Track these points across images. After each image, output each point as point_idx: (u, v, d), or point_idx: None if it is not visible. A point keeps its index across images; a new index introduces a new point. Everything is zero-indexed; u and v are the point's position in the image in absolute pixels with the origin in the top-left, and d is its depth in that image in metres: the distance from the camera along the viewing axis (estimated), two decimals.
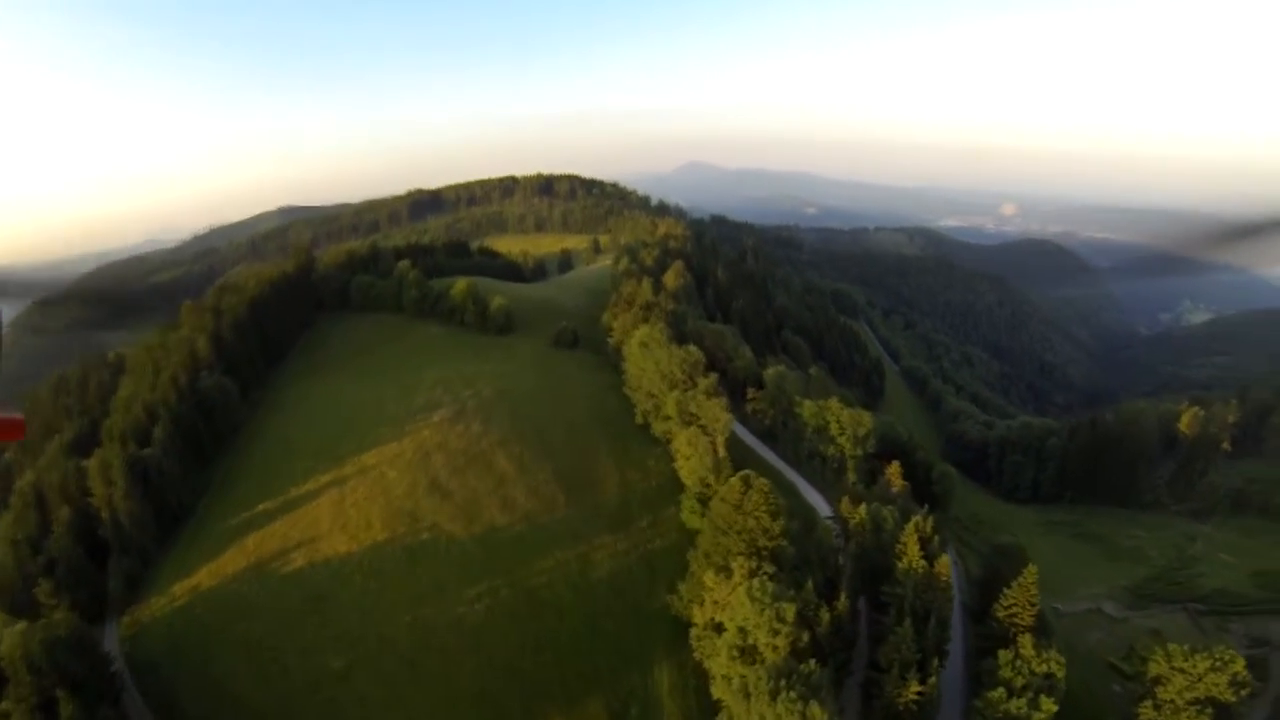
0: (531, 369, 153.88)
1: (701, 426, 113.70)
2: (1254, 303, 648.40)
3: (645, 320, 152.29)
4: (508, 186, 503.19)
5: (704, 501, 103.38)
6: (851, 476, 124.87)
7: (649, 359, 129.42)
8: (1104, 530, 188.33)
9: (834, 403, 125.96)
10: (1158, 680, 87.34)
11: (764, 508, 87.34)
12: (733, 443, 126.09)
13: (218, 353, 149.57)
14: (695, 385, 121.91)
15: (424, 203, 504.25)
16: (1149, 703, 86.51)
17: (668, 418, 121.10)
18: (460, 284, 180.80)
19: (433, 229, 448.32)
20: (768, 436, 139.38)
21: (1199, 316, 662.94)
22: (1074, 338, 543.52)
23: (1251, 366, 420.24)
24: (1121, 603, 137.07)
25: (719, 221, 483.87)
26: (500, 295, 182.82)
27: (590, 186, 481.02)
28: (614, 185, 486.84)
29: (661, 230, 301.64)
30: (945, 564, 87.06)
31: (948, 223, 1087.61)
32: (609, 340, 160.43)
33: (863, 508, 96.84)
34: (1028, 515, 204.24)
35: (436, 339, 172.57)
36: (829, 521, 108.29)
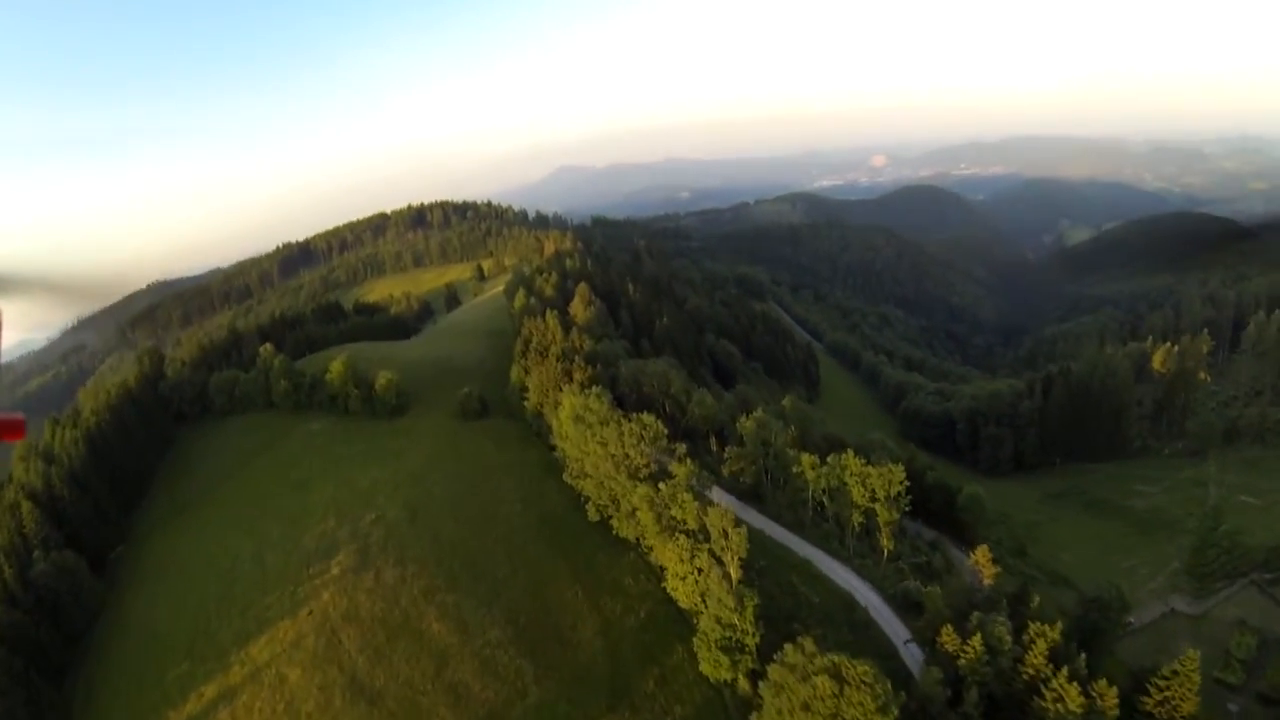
0: (441, 462, 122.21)
1: (689, 533, 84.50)
2: (1128, 213, 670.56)
3: (567, 376, 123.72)
4: (378, 225, 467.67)
5: (730, 650, 76.07)
6: (887, 544, 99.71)
7: (591, 438, 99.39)
8: (1109, 493, 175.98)
9: (851, 459, 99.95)
10: None
11: (871, 707, 59.64)
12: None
13: (53, 518, 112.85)
14: (667, 473, 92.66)
15: (294, 258, 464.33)
16: None
17: (635, 512, 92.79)
18: (336, 364, 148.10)
19: (307, 284, 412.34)
20: (751, 496, 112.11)
21: (1079, 234, 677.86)
22: (972, 276, 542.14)
23: (1149, 274, 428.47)
24: (1187, 592, 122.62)
25: (600, 223, 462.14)
26: (386, 368, 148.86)
27: (463, 211, 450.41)
28: (487, 204, 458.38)
29: (550, 248, 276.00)
30: (1108, 692, 66.18)
31: (823, 183, 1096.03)
32: (525, 402, 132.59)
33: (978, 639, 69.97)
34: (1021, 490, 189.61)
35: (318, 439, 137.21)
36: (913, 650, 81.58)
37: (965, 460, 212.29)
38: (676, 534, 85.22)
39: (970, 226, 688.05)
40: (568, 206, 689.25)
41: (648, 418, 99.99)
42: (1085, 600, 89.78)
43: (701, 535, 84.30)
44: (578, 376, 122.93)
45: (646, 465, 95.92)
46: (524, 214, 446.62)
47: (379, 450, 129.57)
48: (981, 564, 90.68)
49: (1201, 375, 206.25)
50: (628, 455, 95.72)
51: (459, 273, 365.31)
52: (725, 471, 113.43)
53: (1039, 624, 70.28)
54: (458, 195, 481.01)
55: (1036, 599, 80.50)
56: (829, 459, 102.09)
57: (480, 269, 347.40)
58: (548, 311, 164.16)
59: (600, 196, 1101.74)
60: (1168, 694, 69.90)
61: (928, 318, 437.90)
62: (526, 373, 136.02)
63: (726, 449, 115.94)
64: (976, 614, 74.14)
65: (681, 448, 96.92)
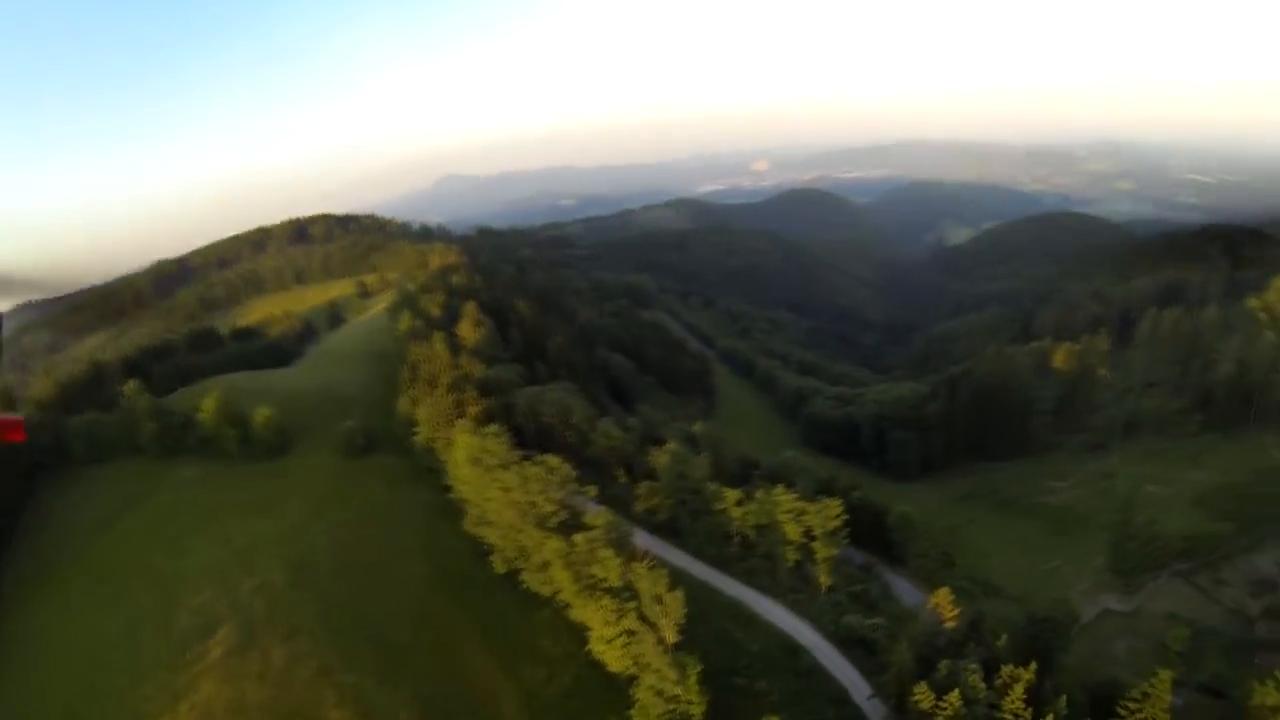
0: (326, 509, 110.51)
1: (613, 591, 77.09)
2: (1006, 214, 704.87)
3: (460, 409, 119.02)
4: (259, 241, 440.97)
5: None
6: (825, 579, 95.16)
7: (491, 483, 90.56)
8: (1020, 491, 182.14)
9: (783, 496, 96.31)
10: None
11: None
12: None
13: None
14: (581, 522, 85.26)
15: (171, 275, 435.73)
16: None
17: (548, 566, 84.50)
18: (209, 400, 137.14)
19: (184, 304, 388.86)
20: (668, 531, 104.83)
21: (961, 234, 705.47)
22: (859, 277, 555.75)
23: (1034, 271, 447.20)
24: (1115, 590, 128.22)
25: (485, 234, 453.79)
26: (265, 401, 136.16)
27: (346, 223, 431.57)
28: (370, 217, 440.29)
29: (435, 262, 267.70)
30: None
31: (706, 188, 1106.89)
32: (415, 436, 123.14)
33: (956, 695, 64.79)
34: (931, 494, 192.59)
35: (191, 489, 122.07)
36: (876, 706, 76.09)
37: (871, 465, 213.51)
38: (598, 593, 77.52)
39: (855, 229, 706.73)
40: (454, 216, 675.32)
41: (553, 460, 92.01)
42: (1036, 620, 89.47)
43: (627, 593, 77.13)
44: (471, 410, 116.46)
45: (556, 512, 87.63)
46: (407, 226, 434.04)
47: (259, 499, 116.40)
48: (943, 607, 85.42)
49: (1101, 371, 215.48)
50: (533, 502, 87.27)
51: (342, 289, 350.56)
52: (638, 508, 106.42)
53: (1012, 667, 67.21)
54: (344, 206, 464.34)
55: (1003, 636, 77.52)
56: (757, 495, 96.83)
57: (363, 285, 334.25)
58: (434, 334, 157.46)
59: (485, 205, 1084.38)
60: (1140, 717, 68.57)
61: (817, 319, 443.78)
62: (415, 404, 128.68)
63: (639, 485, 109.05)
64: (945, 663, 69.76)
65: (593, 490, 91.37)
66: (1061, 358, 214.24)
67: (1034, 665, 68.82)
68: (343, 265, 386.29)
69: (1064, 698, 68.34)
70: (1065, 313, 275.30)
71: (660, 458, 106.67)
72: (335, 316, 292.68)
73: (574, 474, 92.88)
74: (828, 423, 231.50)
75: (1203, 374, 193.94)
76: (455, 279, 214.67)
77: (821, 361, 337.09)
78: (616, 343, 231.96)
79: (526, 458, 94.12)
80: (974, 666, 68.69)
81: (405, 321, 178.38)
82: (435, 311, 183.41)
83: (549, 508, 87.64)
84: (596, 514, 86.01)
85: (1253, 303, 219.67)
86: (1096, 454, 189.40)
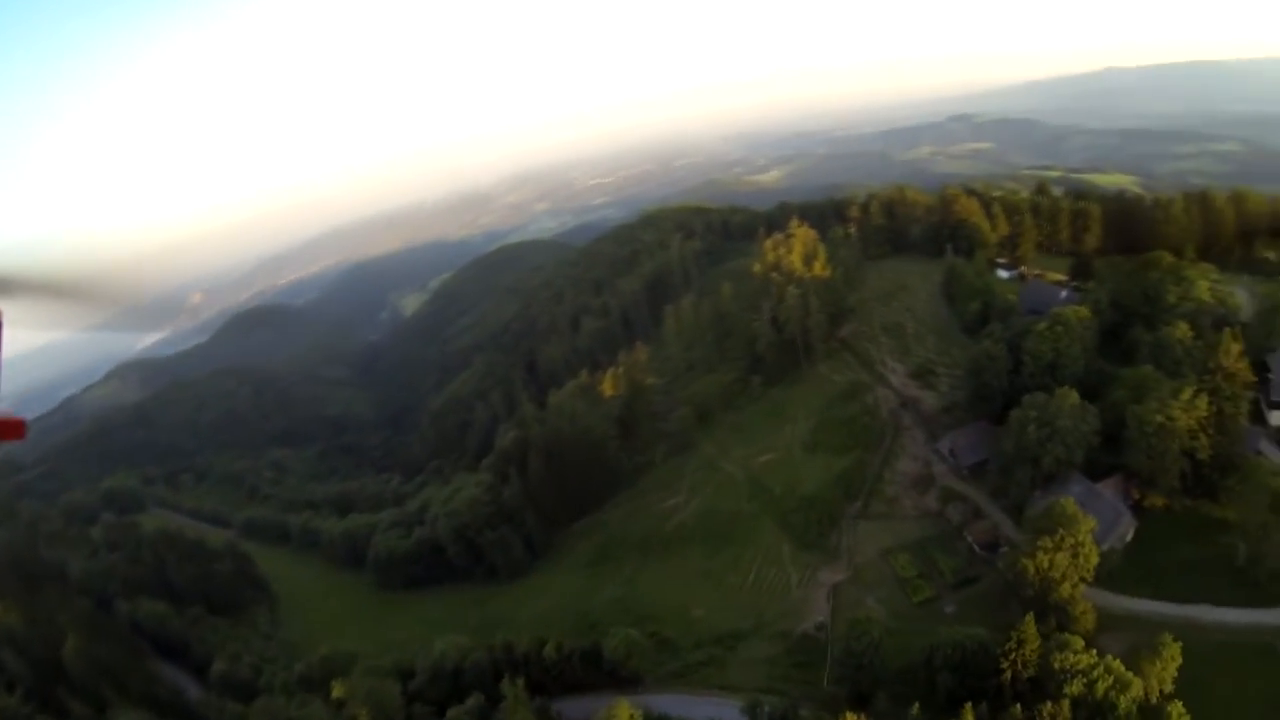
0: None
1: None
2: (448, 267, 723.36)
3: None
4: None
5: None
6: None
7: None
8: (643, 525, 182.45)
9: None
10: None
11: None
12: None
13: None
14: None
15: None
16: None
17: None
18: None
19: None
20: None
21: (413, 300, 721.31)
22: (335, 380, 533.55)
23: (498, 312, 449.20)
24: (821, 565, 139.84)
25: None
26: None
27: None
28: None
29: None
30: None
31: (148, 342, 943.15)
32: None
33: None
34: (565, 572, 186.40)
35: None
36: None
37: (477, 578, 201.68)
38: None
39: (312, 331, 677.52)
40: None
41: None
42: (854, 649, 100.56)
43: None
44: None
45: None
46: None
47: None
48: None
49: (649, 381, 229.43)
50: None
51: None
52: None
53: None
54: None
55: None
56: None
57: None
58: None
59: None
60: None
61: (315, 443, 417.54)
62: None
63: None
64: None
65: None
66: (611, 384, 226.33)
67: None
68: None
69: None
70: (561, 340, 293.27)
71: None
72: None
73: None
74: (404, 557, 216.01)
75: (748, 344, 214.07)
76: None
77: (349, 489, 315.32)
78: (135, 586, 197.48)
79: None
80: None
81: None
82: None
83: None
84: None
85: (757, 268, 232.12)
86: (685, 454, 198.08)
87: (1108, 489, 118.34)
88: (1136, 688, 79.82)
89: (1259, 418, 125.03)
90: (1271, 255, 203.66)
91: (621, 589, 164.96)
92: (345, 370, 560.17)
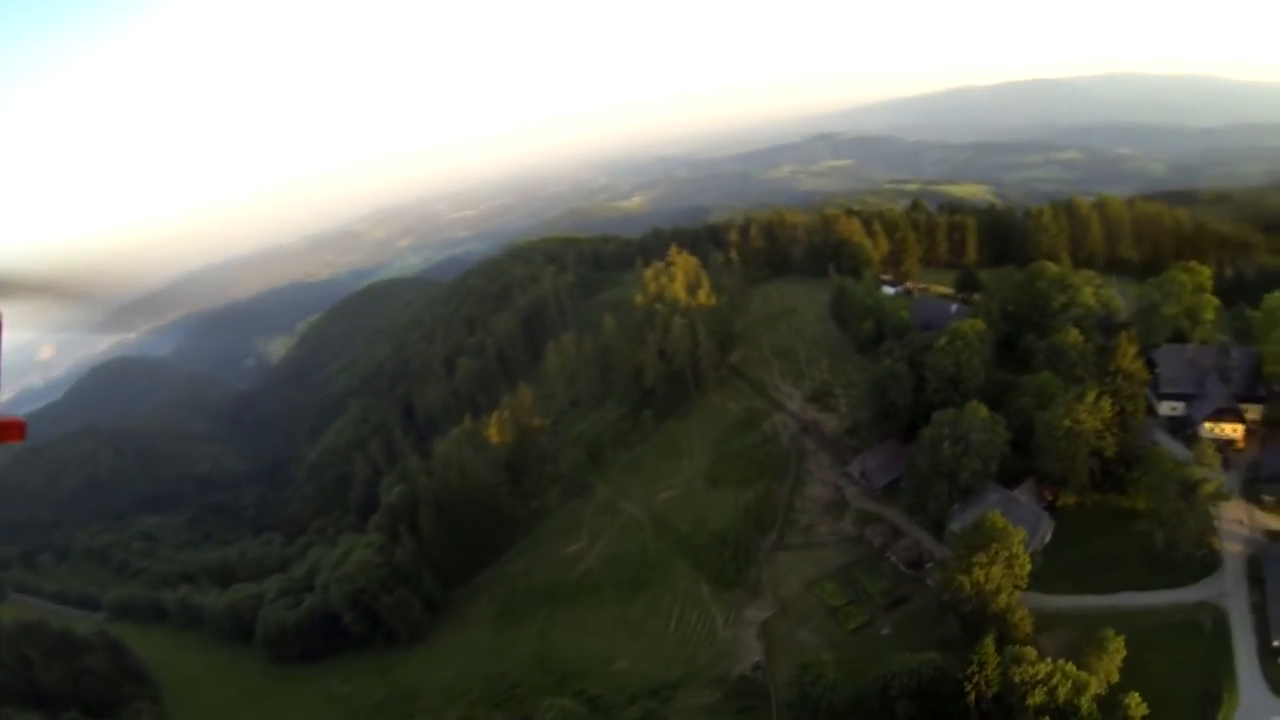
0: None
1: None
2: (316, 309, 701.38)
3: None
4: None
5: None
6: None
7: None
8: (548, 573, 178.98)
9: None
10: None
11: None
12: None
13: None
14: None
15: None
16: None
17: None
18: None
19: None
20: None
21: (279, 345, 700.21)
22: (201, 435, 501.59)
23: (369, 354, 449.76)
24: (742, 605, 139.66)
25: None
26: None
27: None
28: None
29: None
30: None
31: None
32: None
33: None
34: (474, 630, 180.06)
35: None
36: None
37: (377, 644, 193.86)
38: None
39: (173, 383, 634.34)
40: None
41: None
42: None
43: None
44: None
45: None
46: None
47: None
48: None
49: (536, 422, 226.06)
50: None
51: None
52: None
53: None
54: None
55: None
56: None
57: None
58: None
59: None
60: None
61: (187, 506, 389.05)
62: None
63: None
64: None
65: None
66: (496, 430, 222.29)
67: None
68: None
69: None
70: (438, 382, 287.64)
71: None
72: None
73: None
74: (296, 628, 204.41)
75: (635, 377, 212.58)
76: None
77: (228, 556, 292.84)
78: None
79: None
80: None
81: None
82: None
83: None
84: None
85: (639, 299, 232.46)
86: (583, 497, 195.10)
87: (1023, 494, 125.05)
88: (1093, 686, 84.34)
89: (1150, 410, 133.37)
90: (1134, 256, 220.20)
91: (535, 644, 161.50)
92: (212, 423, 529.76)
